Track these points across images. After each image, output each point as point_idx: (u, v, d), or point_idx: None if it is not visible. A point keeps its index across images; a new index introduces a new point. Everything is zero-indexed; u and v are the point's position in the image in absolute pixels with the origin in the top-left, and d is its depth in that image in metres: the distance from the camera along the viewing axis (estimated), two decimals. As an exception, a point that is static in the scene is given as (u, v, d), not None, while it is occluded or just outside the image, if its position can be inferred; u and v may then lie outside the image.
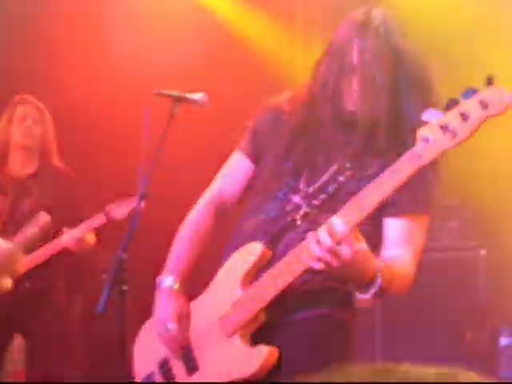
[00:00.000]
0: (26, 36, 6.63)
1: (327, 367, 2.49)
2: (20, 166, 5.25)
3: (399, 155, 2.50)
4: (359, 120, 2.82)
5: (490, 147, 6.49)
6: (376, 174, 2.58)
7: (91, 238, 5.06)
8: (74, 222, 5.03)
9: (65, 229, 5.01)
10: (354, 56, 2.81)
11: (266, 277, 2.77)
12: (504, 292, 6.13)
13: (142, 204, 3.22)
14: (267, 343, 2.80)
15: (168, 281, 3.00)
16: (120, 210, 4.96)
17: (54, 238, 5.02)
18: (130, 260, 3.13)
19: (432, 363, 1.44)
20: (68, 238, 4.98)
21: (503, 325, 5.91)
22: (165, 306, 2.98)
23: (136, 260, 3.78)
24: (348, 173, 2.86)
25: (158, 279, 3.03)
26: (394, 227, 2.84)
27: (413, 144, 2.47)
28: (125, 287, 3.12)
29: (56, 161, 5.31)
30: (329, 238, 2.47)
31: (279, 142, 2.93)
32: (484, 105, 2.35)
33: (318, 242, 2.49)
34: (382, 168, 2.57)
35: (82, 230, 4.98)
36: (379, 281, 2.59)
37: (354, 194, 2.58)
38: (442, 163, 2.74)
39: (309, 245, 2.53)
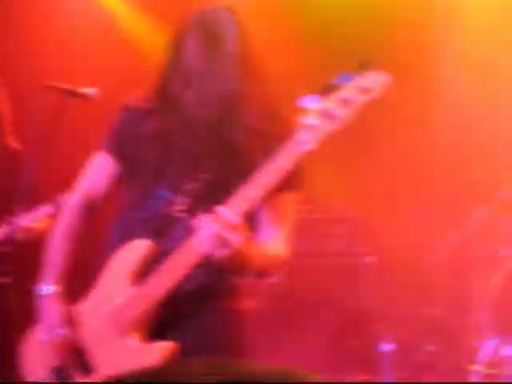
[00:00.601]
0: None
1: (226, 358, 2.50)
2: None
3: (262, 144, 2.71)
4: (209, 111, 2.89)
5: (376, 152, 6.65)
6: (244, 162, 2.76)
7: (39, 227, 4.85)
8: (21, 209, 4.83)
9: (8, 217, 4.81)
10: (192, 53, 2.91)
11: (158, 273, 2.77)
12: (388, 299, 6.25)
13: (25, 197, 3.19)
14: (164, 338, 2.79)
15: (47, 288, 2.98)
16: None
17: None
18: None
19: (314, 367, 1.47)
20: (13, 226, 4.76)
21: (385, 331, 6.02)
22: (49, 313, 2.95)
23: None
24: (218, 161, 2.90)
25: (37, 288, 3.00)
26: (265, 206, 2.87)
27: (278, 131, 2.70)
28: (7, 280, 3.08)
29: (10, 140, 5.09)
30: (220, 228, 2.55)
31: (146, 141, 2.94)
32: (363, 90, 2.51)
33: (210, 231, 2.56)
34: (248, 156, 2.76)
35: (28, 220, 4.80)
36: (257, 262, 2.71)
37: (228, 182, 2.72)
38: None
39: (200, 235, 2.60)
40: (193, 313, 2.87)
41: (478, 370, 5.66)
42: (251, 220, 2.79)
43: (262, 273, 2.77)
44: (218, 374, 1.34)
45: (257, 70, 2.93)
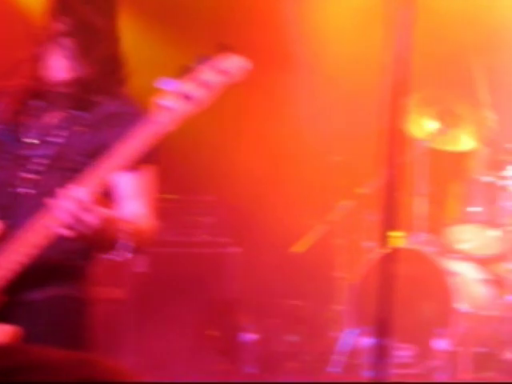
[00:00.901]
0: None
1: (67, 347, 2.45)
2: None
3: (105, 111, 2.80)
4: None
5: (243, 146, 6.71)
6: (89, 129, 2.83)
7: None
8: None
9: None
10: None
11: (3, 253, 2.67)
12: (251, 289, 6.31)
13: None
14: (7, 323, 2.70)
15: None
16: None
17: None
18: None
19: (175, 357, 1.43)
20: None
21: (247, 321, 6.07)
22: None
23: None
24: (63, 132, 2.87)
25: None
26: (123, 181, 2.85)
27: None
28: None
29: None
30: (74, 206, 2.49)
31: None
32: (220, 72, 2.56)
33: (64, 208, 2.50)
34: (94, 123, 2.82)
35: None
36: (117, 238, 2.68)
37: (75, 152, 2.80)
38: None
39: (53, 214, 2.54)
40: (36, 298, 2.80)
41: (338, 359, 5.78)
42: (108, 195, 2.77)
43: (123, 248, 2.73)
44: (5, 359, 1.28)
45: (114, 50, 2.94)
